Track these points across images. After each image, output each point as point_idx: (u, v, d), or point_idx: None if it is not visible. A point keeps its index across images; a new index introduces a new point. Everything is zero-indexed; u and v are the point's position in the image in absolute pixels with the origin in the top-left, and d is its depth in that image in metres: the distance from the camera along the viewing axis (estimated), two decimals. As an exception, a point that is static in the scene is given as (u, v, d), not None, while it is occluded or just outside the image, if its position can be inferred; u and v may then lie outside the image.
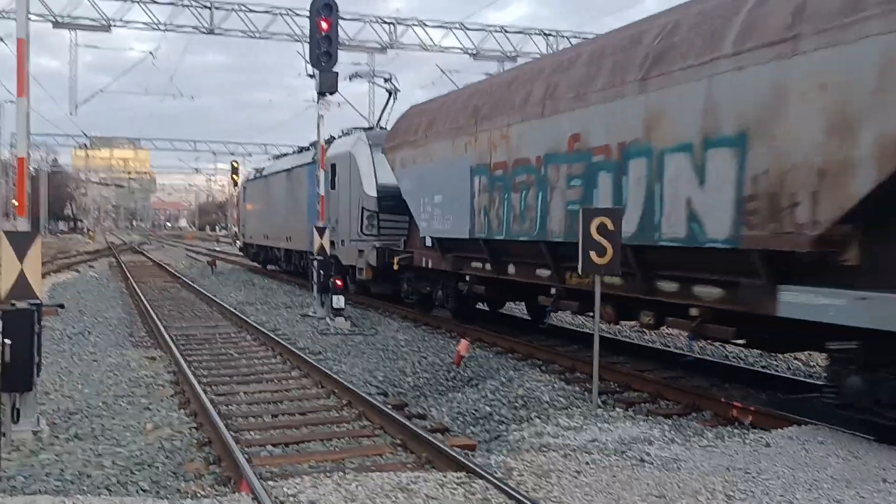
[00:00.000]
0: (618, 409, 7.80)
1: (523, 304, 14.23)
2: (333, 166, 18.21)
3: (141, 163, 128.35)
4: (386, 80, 19.24)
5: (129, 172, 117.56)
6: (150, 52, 30.67)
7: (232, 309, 15.84)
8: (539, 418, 7.43)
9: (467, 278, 12.46)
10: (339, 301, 14.40)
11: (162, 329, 12.74)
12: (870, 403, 5.60)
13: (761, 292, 6.53)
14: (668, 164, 7.42)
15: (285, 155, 26.66)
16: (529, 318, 13.87)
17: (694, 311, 7.61)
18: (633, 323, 10.36)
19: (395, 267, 14.88)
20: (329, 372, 9.13)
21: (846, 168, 5.62)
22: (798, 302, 6.14)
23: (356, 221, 16.94)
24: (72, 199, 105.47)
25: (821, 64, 5.84)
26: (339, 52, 15.16)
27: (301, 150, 24.14)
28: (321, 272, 15.22)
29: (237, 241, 36.66)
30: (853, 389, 5.70)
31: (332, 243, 17.29)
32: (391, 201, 15.57)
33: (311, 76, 15.71)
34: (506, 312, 15.20)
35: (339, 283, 14.57)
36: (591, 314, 8.35)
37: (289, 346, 11.00)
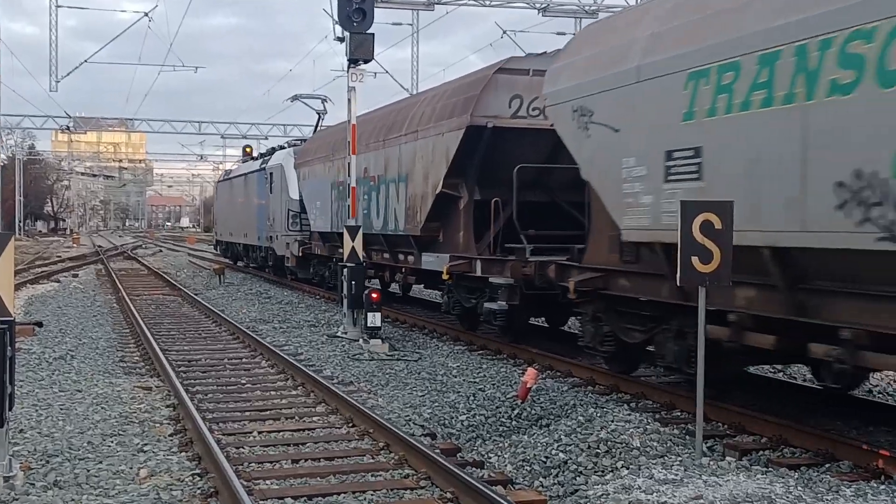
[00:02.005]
0: (728, 458, 7.70)
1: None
2: (271, 174, 28.48)
3: (135, 149, 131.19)
4: (323, 102, 29.80)
5: (121, 161, 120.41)
6: (146, 14, 31.32)
7: (243, 328, 16.05)
8: (627, 468, 7.36)
9: (334, 259, 21.18)
10: (374, 319, 14.40)
11: (159, 353, 12.95)
12: (452, 306, 15.37)
13: (417, 257, 15.98)
14: (390, 189, 16.90)
15: (254, 159, 35.92)
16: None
17: (403, 271, 17.51)
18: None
19: (299, 254, 24.79)
20: (363, 407, 9.17)
21: (427, 195, 15.08)
22: (426, 260, 15.54)
23: (285, 220, 26.48)
24: (52, 194, 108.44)
25: (422, 144, 15.37)
26: (374, 8, 15.23)
27: (260, 156, 33.98)
28: (352, 283, 15.25)
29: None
30: (448, 302, 15.36)
31: (270, 237, 28.46)
32: None
33: (341, 40, 15.82)
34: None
35: (374, 296, 14.59)
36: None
37: (313, 375, 11.08)
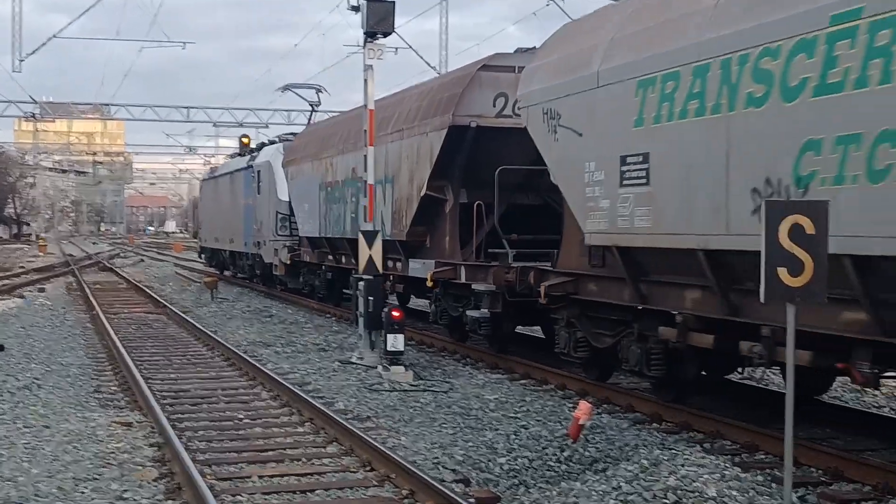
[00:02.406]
0: (824, 511, 7.62)
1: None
2: (259, 173, 30.13)
3: (111, 139, 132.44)
4: (317, 92, 31.46)
5: (95, 154, 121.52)
6: (125, -20, 31.67)
7: (240, 352, 16.13)
8: (701, 522, 7.29)
9: (323, 267, 23.96)
10: (395, 342, 14.41)
11: (141, 382, 13.03)
12: (440, 315, 17.17)
13: (404, 263, 17.70)
14: (377, 190, 17.18)
15: (241, 155, 37.21)
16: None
17: (391, 279, 18.56)
18: (845, 378, 10.70)
19: (287, 262, 26.61)
20: (382, 447, 9.19)
21: (412, 198, 16.93)
22: (413, 267, 17.36)
23: (273, 223, 27.87)
24: (14, 193, 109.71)
25: (408, 144, 17.26)
26: (396, -29, 15.26)
27: (248, 152, 35.19)
28: (369, 299, 15.26)
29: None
30: (436, 311, 17.24)
31: (258, 243, 30.07)
32: None
33: (356, 9, 15.87)
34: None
35: (396, 314, 14.59)
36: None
37: (323, 408, 11.12)
